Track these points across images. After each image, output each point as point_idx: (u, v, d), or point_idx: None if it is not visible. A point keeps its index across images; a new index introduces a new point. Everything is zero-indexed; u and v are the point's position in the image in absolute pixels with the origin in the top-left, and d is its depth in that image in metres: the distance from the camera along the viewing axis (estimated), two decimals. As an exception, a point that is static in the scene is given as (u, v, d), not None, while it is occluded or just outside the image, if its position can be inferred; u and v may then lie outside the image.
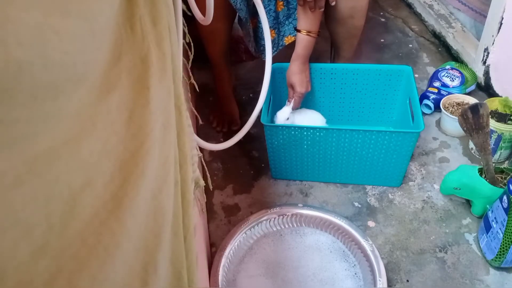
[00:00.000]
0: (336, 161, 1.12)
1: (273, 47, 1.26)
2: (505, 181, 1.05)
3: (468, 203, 1.09)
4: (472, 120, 1.02)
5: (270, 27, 1.21)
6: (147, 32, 0.39)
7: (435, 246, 1.02)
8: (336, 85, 1.26)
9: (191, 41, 0.70)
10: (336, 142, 1.07)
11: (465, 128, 1.05)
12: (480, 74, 1.42)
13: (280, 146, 1.11)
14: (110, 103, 0.32)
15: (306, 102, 1.27)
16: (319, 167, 1.15)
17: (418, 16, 1.84)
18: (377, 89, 1.24)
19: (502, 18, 1.27)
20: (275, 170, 1.19)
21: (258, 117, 1.06)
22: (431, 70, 1.56)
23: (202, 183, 0.78)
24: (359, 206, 1.12)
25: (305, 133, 1.07)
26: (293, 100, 1.17)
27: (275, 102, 1.23)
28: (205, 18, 0.74)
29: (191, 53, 0.73)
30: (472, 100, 1.28)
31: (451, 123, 1.27)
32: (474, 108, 1.01)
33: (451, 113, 1.27)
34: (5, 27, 0.18)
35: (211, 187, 0.94)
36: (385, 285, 0.90)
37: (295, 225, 1.06)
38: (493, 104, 1.18)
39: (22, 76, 0.19)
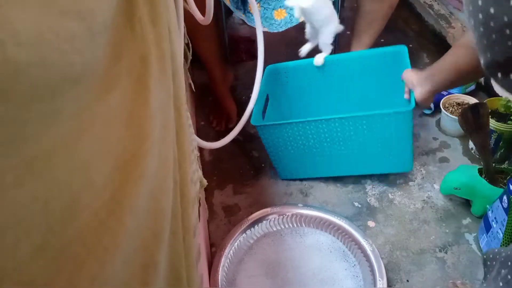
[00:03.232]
0: (336, 153, 1.09)
1: (263, 22, 1.22)
2: (505, 181, 1.05)
3: (468, 203, 1.09)
4: (472, 120, 1.02)
5: (236, 8, 1.20)
6: (147, 32, 0.39)
7: (435, 246, 1.02)
8: (333, 78, 1.22)
9: (189, 42, 0.70)
10: (328, 132, 1.04)
11: (465, 128, 1.05)
12: (480, 74, 1.42)
13: (277, 145, 1.10)
14: (109, 103, 0.32)
15: (306, 101, 1.26)
16: (322, 162, 1.12)
17: (418, 16, 1.84)
18: (376, 74, 1.19)
19: (502, 18, 1.26)
20: (281, 171, 1.17)
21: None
22: (431, 70, 1.56)
23: (205, 182, 0.78)
24: (359, 206, 1.12)
25: (295, 128, 1.04)
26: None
27: (273, 104, 1.21)
28: (205, 18, 0.74)
29: (190, 53, 0.73)
30: (472, 100, 1.28)
31: (451, 123, 1.27)
32: (474, 108, 1.01)
33: (451, 113, 1.27)
34: (2, 27, 0.18)
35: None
36: (385, 285, 0.90)
37: (295, 225, 1.06)
38: (493, 104, 1.18)
39: (19, 76, 0.19)
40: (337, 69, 1.21)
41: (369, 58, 1.18)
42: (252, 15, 1.22)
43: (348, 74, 1.22)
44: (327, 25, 1.10)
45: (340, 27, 1.12)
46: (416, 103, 0.97)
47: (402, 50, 1.14)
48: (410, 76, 0.98)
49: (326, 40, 1.12)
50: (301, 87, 1.26)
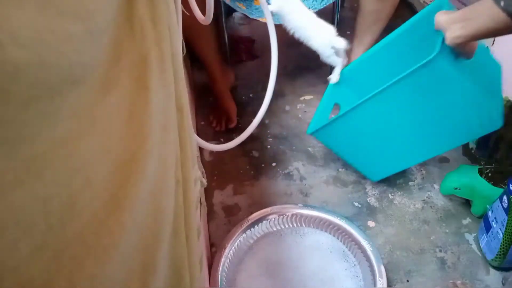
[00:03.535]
0: (413, 133, 0.98)
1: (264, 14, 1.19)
2: (505, 181, 1.05)
3: (468, 203, 1.09)
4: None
5: (238, 1, 1.18)
6: (147, 32, 0.39)
7: (435, 246, 1.02)
8: (393, 63, 1.06)
9: (183, 40, 0.69)
10: (383, 112, 0.93)
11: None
12: (480, 74, 1.42)
13: (348, 145, 1.01)
14: (109, 103, 0.32)
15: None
16: (406, 148, 1.01)
17: (418, 16, 1.84)
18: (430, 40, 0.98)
19: (502, 18, 1.26)
20: (369, 173, 1.10)
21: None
22: (431, 70, 1.56)
23: (205, 182, 0.78)
24: (359, 206, 1.12)
25: (351, 117, 0.94)
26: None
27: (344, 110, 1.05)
28: (205, 18, 0.74)
29: (184, 52, 0.73)
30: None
31: (451, 123, 1.27)
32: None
33: (451, 113, 1.27)
34: (1, 27, 0.18)
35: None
36: (385, 285, 0.90)
37: (295, 225, 1.06)
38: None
39: (18, 77, 0.19)
40: (391, 54, 1.09)
41: (416, 26, 1.03)
42: (255, 8, 1.21)
43: (403, 54, 1.06)
44: (303, 34, 1.03)
45: (334, 39, 1.04)
46: (459, 52, 0.85)
47: (442, 3, 0.96)
48: (440, 19, 0.84)
49: (324, 55, 1.06)
50: (369, 84, 1.11)
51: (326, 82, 1.38)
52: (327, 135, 1.00)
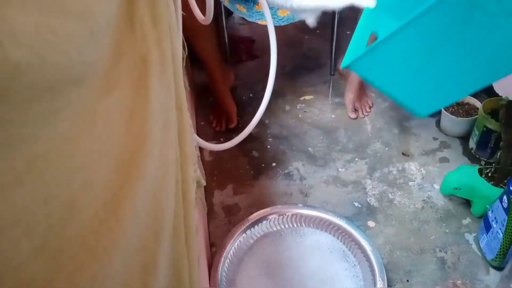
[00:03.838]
0: (469, 53, 0.84)
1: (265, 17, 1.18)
2: (505, 181, 1.05)
3: (468, 203, 1.09)
4: (506, 115, 1.00)
5: (238, 3, 1.18)
6: (147, 32, 0.39)
7: (435, 246, 1.02)
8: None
9: (184, 41, 0.69)
10: (443, 26, 0.79)
11: (502, 120, 1.04)
12: (480, 74, 1.42)
13: (390, 77, 0.88)
14: (110, 103, 0.32)
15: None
16: (455, 75, 0.86)
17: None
18: None
19: (503, 18, 1.26)
20: (415, 107, 0.91)
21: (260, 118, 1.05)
22: (431, 70, 1.56)
23: (203, 182, 0.78)
24: (359, 206, 1.12)
25: (395, 41, 0.81)
26: None
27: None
28: (205, 18, 0.74)
29: (185, 52, 0.73)
30: (471, 100, 1.28)
31: (451, 123, 1.27)
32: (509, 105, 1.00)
33: (451, 113, 1.27)
34: (1, 27, 0.18)
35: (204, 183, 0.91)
36: (385, 285, 0.90)
37: (295, 225, 1.06)
38: (493, 104, 1.18)
39: (19, 77, 0.19)
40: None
41: None
42: (255, 11, 1.21)
43: None
44: None
45: None
46: None
47: None
48: None
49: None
50: (410, 6, 0.93)
51: (326, 82, 1.38)
52: (366, 65, 0.87)
